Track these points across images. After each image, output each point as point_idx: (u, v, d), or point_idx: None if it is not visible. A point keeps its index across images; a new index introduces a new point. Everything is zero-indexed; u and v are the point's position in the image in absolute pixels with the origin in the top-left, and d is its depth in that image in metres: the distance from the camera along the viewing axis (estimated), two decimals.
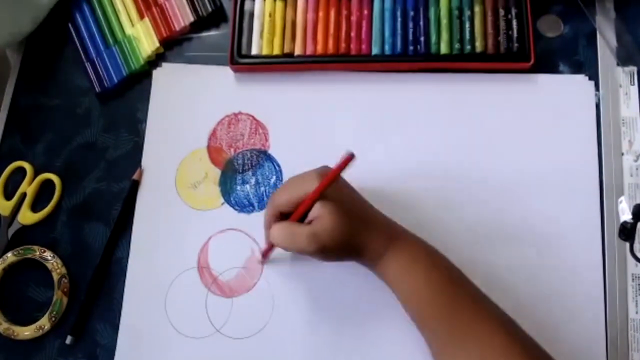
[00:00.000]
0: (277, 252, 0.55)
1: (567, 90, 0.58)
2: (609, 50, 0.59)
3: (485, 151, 0.57)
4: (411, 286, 0.46)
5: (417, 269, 0.46)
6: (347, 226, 0.45)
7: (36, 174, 0.60)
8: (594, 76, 0.58)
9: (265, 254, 0.54)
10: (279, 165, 0.58)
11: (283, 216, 0.49)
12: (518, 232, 0.54)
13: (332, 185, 0.45)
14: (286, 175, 0.58)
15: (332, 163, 0.57)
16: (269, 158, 0.59)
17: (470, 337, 0.44)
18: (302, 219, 0.47)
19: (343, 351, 0.52)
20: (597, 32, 0.60)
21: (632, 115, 0.57)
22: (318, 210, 0.45)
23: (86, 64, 0.62)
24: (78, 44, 0.63)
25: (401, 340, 0.52)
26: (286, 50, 0.60)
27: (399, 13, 0.60)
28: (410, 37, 0.59)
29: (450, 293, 0.46)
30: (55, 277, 0.56)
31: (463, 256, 0.53)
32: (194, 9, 0.62)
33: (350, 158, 0.44)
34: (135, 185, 0.58)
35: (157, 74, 0.62)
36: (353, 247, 0.47)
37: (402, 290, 0.47)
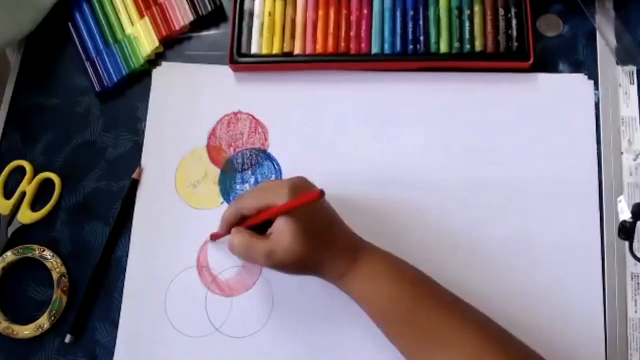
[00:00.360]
0: None
1: (566, 90, 0.58)
2: (609, 49, 0.59)
3: (485, 150, 0.57)
4: (375, 300, 0.46)
5: (380, 284, 0.46)
6: (305, 247, 0.45)
7: (36, 173, 0.60)
8: (593, 75, 0.58)
9: (214, 238, 0.55)
10: (278, 165, 0.58)
11: (243, 217, 0.49)
12: (516, 231, 0.54)
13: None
14: (285, 174, 0.58)
15: (332, 162, 0.57)
16: (269, 157, 0.59)
17: (439, 345, 0.43)
18: (261, 225, 0.48)
19: (343, 349, 0.52)
20: (597, 32, 0.60)
21: (631, 115, 0.57)
22: (279, 226, 0.46)
23: (86, 63, 0.62)
24: (78, 43, 0.63)
25: None
26: (286, 49, 0.60)
27: (398, 12, 0.60)
28: (410, 36, 0.59)
29: (415, 304, 0.45)
30: (55, 276, 0.56)
31: (461, 254, 0.54)
32: (194, 8, 0.62)
33: (319, 196, 0.44)
34: (134, 184, 0.58)
35: (156, 73, 0.62)
36: (310, 266, 0.47)
37: (367, 305, 0.47)
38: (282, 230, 0.45)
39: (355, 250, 0.48)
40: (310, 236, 0.46)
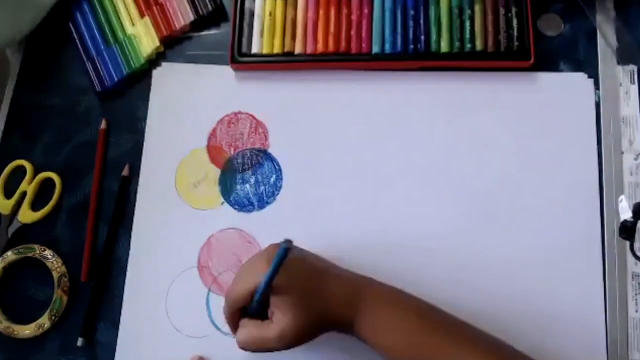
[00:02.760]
0: None
1: (567, 89, 0.58)
2: (609, 49, 0.59)
3: (485, 149, 0.57)
4: (387, 343, 0.45)
5: (388, 327, 0.45)
6: (307, 315, 0.44)
7: (36, 172, 0.60)
8: (593, 75, 0.58)
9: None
10: (278, 164, 0.58)
11: (244, 308, 0.47)
12: (516, 230, 0.54)
13: (279, 275, 0.43)
14: (286, 174, 0.58)
15: (332, 162, 0.57)
16: (269, 157, 0.59)
17: None
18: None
19: (343, 348, 0.52)
20: (597, 31, 0.60)
21: (632, 114, 0.57)
22: (275, 306, 0.44)
23: (86, 63, 0.62)
24: (78, 43, 0.63)
25: None
26: (286, 49, 0.60)
27: (399, 12, 0.60)
28: (411, 35, 0.59)
29: (425, 339, 0.45)
30: (55, 275, 0.56)
31: (461, 252, 0.53)
32: (194, 8, 0.62)
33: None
34: (125, 182, 0.58)
35: (156, 73, 0.62)
36: (322, 326, 0.46)
37: (379, 348, 0.46)
38: (281, 311, 0.44)
39: (355, 295, 0.46)
40: (308, 304, 0.44)
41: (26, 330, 0.55)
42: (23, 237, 0.58)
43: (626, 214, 0.53)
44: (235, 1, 0.61)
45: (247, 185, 0.58)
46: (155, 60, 0.62)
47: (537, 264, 0.53)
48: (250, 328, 0.46)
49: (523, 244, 0.54)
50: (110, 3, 0.64)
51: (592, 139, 0.56)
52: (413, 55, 0.59)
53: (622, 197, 0.54)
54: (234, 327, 0.47)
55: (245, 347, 0.46)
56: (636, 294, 0.52)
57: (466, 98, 0.58)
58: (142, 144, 0.60)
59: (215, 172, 0.59)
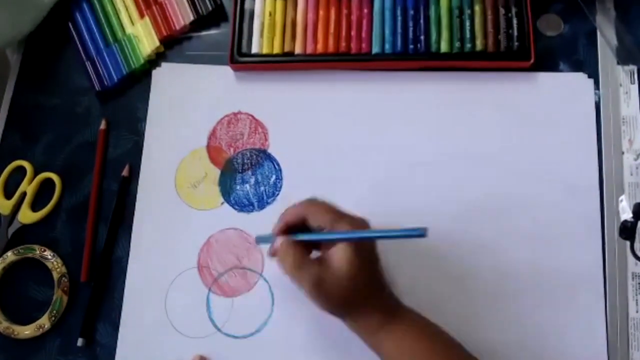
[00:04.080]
0: None
1: (567, 89, 0.58)
2: (609, 49, 0.59)
3: (485, 149, 0.57)
4: None
5: (412, 351, 0.44)
6: (356, 284, 0.43)
7: (36, 173, 0.60)
8: (594, 75, 0.58)
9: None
10: (278, 165, 0.58)
11: (299, 227, 0.46)
12: (517, 231, 0.54)
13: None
14: (286, 174, 0.58)
15: (332, 162, 0.57)
16: (269, 157, 0.59)
17: None
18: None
19: (344, 349, 0.52)
20: (597, 31, 0.60)
21: (632, 114, 0.57)
22: (339, 253, 0.43)
23: (86, 63, 0.62)
24: (78, 43, 0.63)
25: None
26: (286, 49, 0.60)
27: (399, 12, 0.60)
28: (411, 35, 0.59)
29: None
30: (56, 276, 0.56)
31: (462, 250, 0.53)
32: (194, 8, 0.62)
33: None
34: (125, 182, 0.58)
35: (156, 73, 0.62)
36: (351, 307, 0.45)
37: None
38: (341, 258, 0.42)
39: (394, 309, 0.46)
40: (365, 274, 0.43)
41: (26, 331, 0.55)
42: (23, 237, 0.58)
43: (626, 214, 0.53)
44: (235, 1, 0.61)
45: (247, 186, 0.58)
46: (155, 60, 0.62)
47: (536, 263, 0.53)
48: (298, 251, 0.44)
49: (522, 244, 0.54)
50: (110, 3, 0.64)
51: (592, 139, 0.56)
52: (413, 55, 0.59)
53: (622, 197, 0.54)
54: (284, 227, 0.46)
55: (283, 263, 0.45)
56: (636, 294, 0.52)
57: (466, 98, 0.58)
58: (142, 144, 0.60)
59: (215, 172, 0.59)
